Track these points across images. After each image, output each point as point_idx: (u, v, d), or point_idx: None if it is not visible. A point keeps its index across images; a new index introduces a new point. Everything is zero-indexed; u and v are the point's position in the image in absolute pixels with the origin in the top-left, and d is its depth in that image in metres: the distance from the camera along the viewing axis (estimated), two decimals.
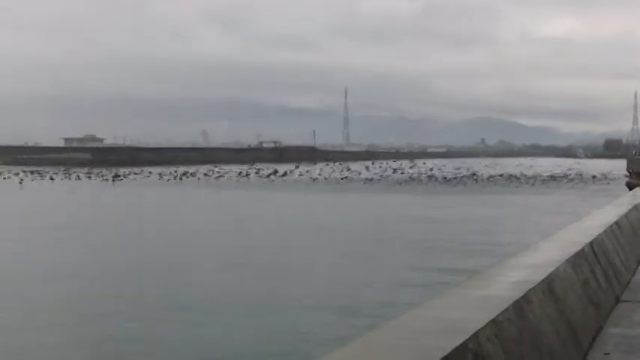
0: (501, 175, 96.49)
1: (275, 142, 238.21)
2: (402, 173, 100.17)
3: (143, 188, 76.26)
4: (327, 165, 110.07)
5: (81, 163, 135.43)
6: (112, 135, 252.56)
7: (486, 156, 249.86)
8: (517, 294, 5.29)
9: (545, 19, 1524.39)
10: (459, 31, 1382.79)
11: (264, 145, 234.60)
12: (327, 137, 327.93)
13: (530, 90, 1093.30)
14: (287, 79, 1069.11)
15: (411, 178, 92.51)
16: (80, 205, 57.20)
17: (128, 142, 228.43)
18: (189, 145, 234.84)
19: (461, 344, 3.95)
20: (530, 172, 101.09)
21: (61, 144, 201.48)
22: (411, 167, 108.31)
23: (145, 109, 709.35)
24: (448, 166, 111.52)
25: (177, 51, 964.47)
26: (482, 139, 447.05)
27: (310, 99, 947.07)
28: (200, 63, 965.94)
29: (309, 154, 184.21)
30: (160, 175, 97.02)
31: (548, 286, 6.04)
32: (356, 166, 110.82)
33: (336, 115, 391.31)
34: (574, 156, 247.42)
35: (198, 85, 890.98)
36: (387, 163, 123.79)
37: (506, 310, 4.85)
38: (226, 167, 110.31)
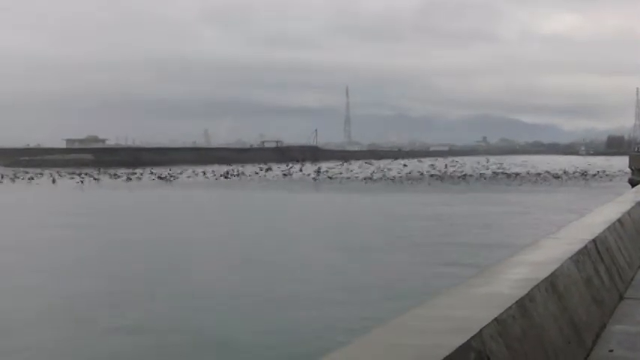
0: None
1: (277, 142, 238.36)
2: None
3: (207, 189, 75.22)
4: (366, 163, 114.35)
5: (83, 164, 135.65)
6: (114, 135, 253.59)
7: (487, 154, 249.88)
8: (520, 292, 5.26)
9: (545, 17, 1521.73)
10: (460, 29, 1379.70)
11: (266, 145, 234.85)
12: (329, 136, 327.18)
13: (531, 87, 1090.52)
14: (287, 78, 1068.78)
15: (441, 176, 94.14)
16: (192, 208, 53.74)
17: (130, 143, 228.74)
18: (190, 145, 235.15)
19: (464, 343, 3.93)
20: (559, 170, 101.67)
21: (63, 145, 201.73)
22: (445, 166, 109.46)
23: (146, 110, 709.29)
24: (482, 165, 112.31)
25: (178, 51, 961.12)
26: (484, 137, 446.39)
27: (311, 98, 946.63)
28: (201, 62, 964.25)
29: (311, 154, 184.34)
30: (204, 174, 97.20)
31: (552, 283, 6.01)
32: (394, 164, 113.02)
33: (337, 113, 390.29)
34: (576, 153, 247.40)
35: (199, 84, 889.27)
36: (421, 161, 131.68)
37: (510, 308, 4.83)
38: (273, 165, 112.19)
